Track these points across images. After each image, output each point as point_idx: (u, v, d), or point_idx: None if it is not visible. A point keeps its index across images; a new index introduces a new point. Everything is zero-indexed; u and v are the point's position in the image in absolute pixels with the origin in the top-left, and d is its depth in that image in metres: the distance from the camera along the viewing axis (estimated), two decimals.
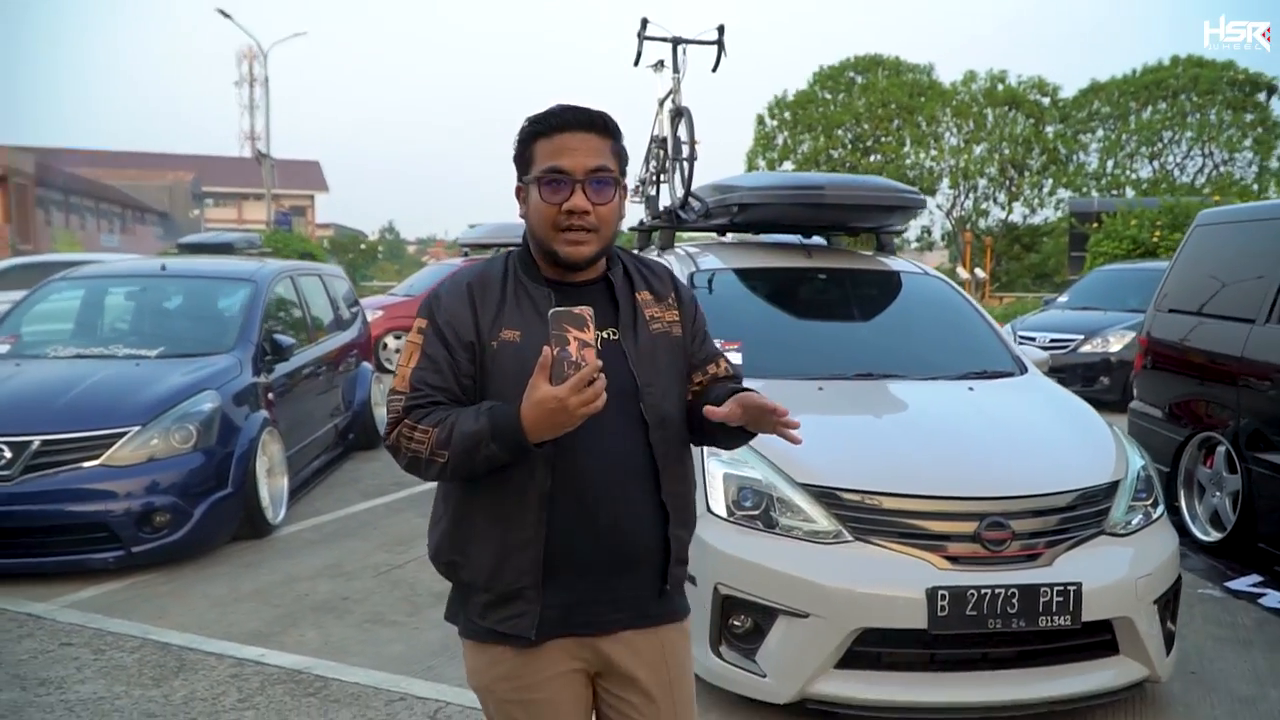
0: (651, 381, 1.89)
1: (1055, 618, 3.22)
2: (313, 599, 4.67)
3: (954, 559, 3.26)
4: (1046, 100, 35.40)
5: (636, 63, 5.90)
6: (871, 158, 36.70)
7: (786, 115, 37.93)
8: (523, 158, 1.89)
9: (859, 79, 37.45)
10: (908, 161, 36.62)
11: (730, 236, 5.79)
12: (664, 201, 5.73)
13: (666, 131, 5.75)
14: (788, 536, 3.36)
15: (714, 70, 5.74)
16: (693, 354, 2.03)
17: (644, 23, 5.66)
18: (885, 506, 3.33)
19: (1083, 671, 3.36)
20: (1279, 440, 5.00)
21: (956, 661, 3.32)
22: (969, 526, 3.29)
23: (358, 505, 6.44)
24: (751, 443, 3.35)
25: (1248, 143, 31.69)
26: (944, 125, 36.44)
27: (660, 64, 6.23)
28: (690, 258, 5.09)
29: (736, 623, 3.41)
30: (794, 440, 1.89)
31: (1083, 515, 3.43)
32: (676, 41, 5.64)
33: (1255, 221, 5.78)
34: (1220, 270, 5.88)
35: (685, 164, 5.57)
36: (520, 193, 1.92)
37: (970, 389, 4.17)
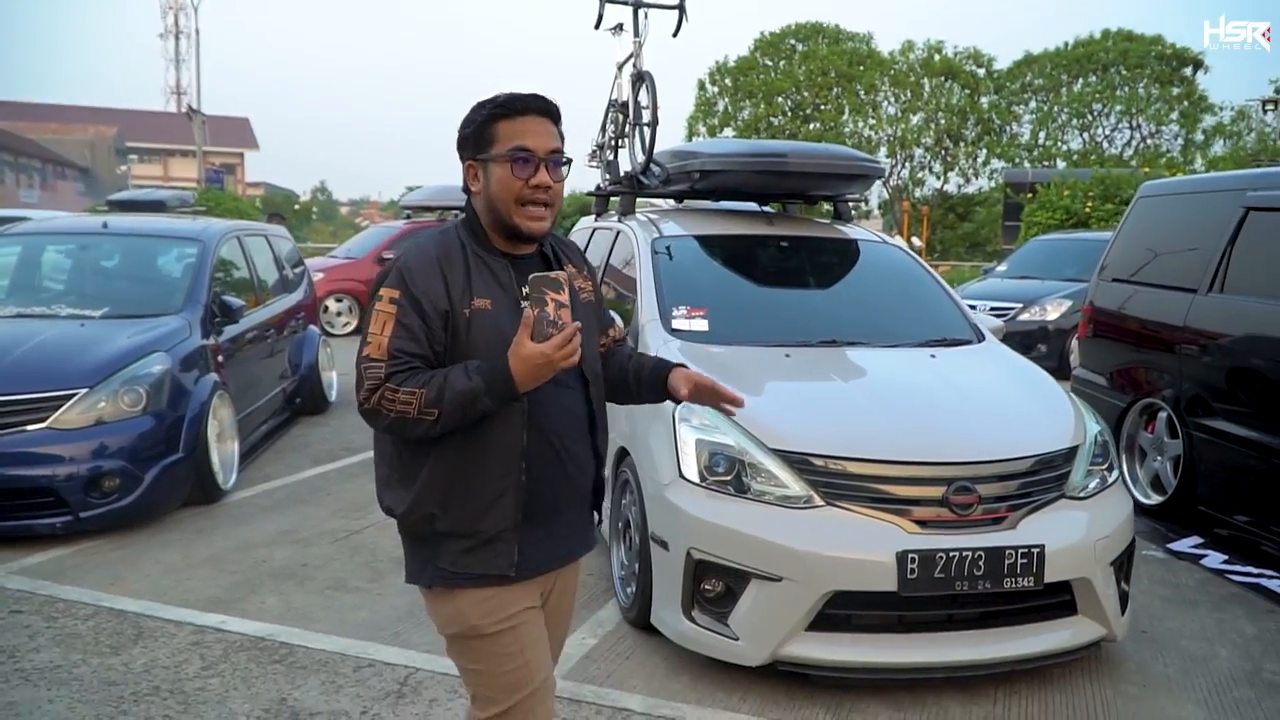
0: (587, 344, 2.08)
1: (1019, 579, 3.32)
2: (270, 565, 4.60)
3: (922, 523, 3.33)
4: (982, 71, 35.88)
5: (598, 25, 5.83)
6: (811, 125, 36.90)
7: (727, 81, 37.92)
8: (482, 137, 2.04)
9: (800, 46, 37.53)
10: (846, 130, 36.90)
11: (688, 203, 5.79)
12: (624, 167, 5.69)
13: (626, 96, 5.69)
14: (759, 501, 3.39)
15: (675, 35, 5.70)
16: (599, 319, 2.31)
17: None
18: (855, 472, 3.39)
19: (1043, 631, 3.46)
20: (1219, 406, 5.19)
21: (923, 623, 3.40)
22: (937, 491, 3.36)
23: (308, 471, 6.35)
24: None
25: (1174, 116, 32.50)
26: (882, 94, 36.77)
27: (619, 27, 6.16)
28: (652, 224, 5.09)
29: (708, 587, 3.44)
30: (729, 414, 2.27)
31: (1044, 479, 3.52)
32: (637, 5, 5.58)
33: (1196, 194, 5.94)
34: (1162, 241, 6.05)
35: (646, 129, 5.54)
36: (473, 170, 2.07)
37: (932, 356, 4.24)
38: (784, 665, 3.33)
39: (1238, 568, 4.83)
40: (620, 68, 6.22)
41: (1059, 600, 3.48)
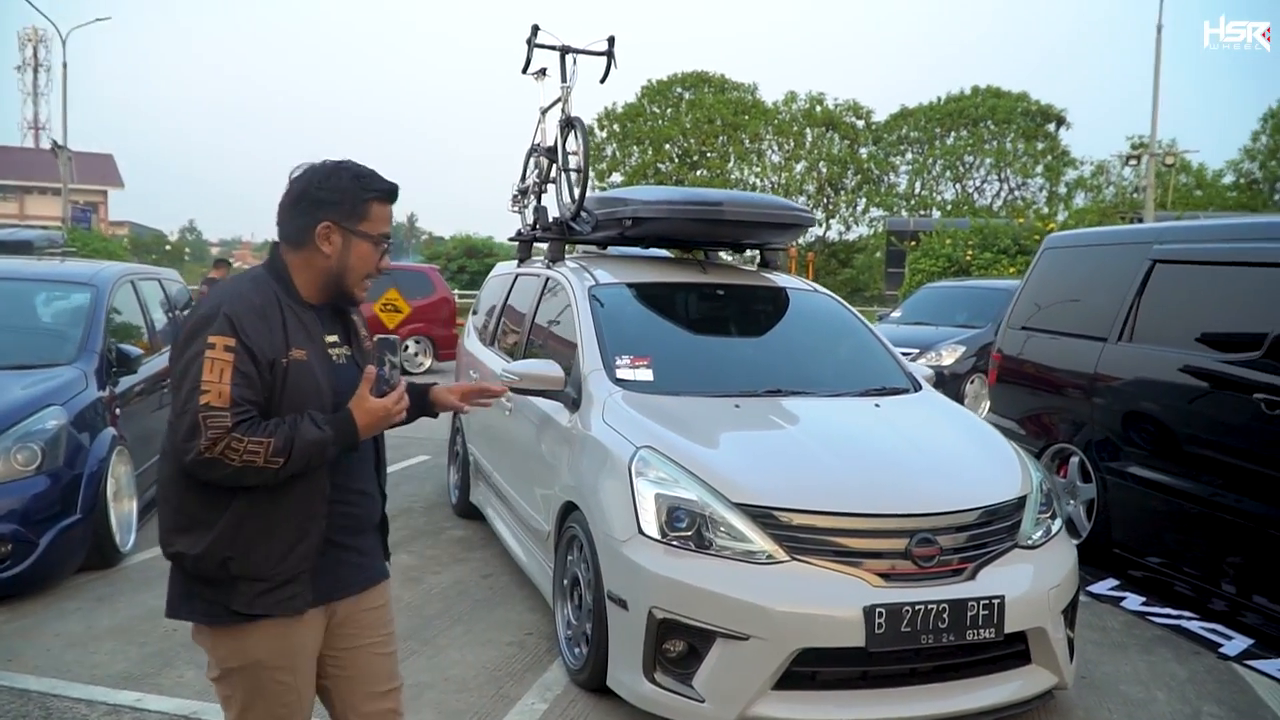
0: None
1: (981, 630, 3.33)
2: (182, 635, 4.24)
3: (886, 576, 3.31)
4: (861, 123, 37.24)
5: (525, 69, 5.76)
6: (698, 172, 37.57)
7: (615, 127, 38.34)
8: (355, 211, 2.17)
9: (686, 95, 38.28)
10: (732, 177, 37.69)
11: (611, 250, 5.74)
12: (552, 212, 5.60)
13: (553, 140, 5.62)
14: (722, 558, 3.32)
15: (602, 81, 5.67)
16: None
17: (534, 29, 5.53)
18: (820, 525, 3.35)
19: (1000, 682, 3.47)
20: (1130, 450, 5.38)
21: (885, 677, 3.36)
22: (900, 543, 3.35)
23: None
24: (681, 462, 3.32)
25: (1039, 169, 34.30)
26: (766, 143, 37.73)
27: (543, 72, 6.11)
28: (585, 271, 5.01)
29: (669, 647, 3.34)
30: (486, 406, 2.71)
31: (998, 530, 3.56)
32: (565, 50, 5.53)
33: (1104, 246, 6.20)
34: (1071, 291, 6.28)
35: (573, 174, 5.47)
36: (331, 233, 2.16)
37: (876, 405, 4.26)
38: None
39: (1156, 609, 4.98)
40: (544, 112, 6.15)
41: (1013, 650, 3.50)
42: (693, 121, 36.93)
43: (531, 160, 6.27)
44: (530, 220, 6.16)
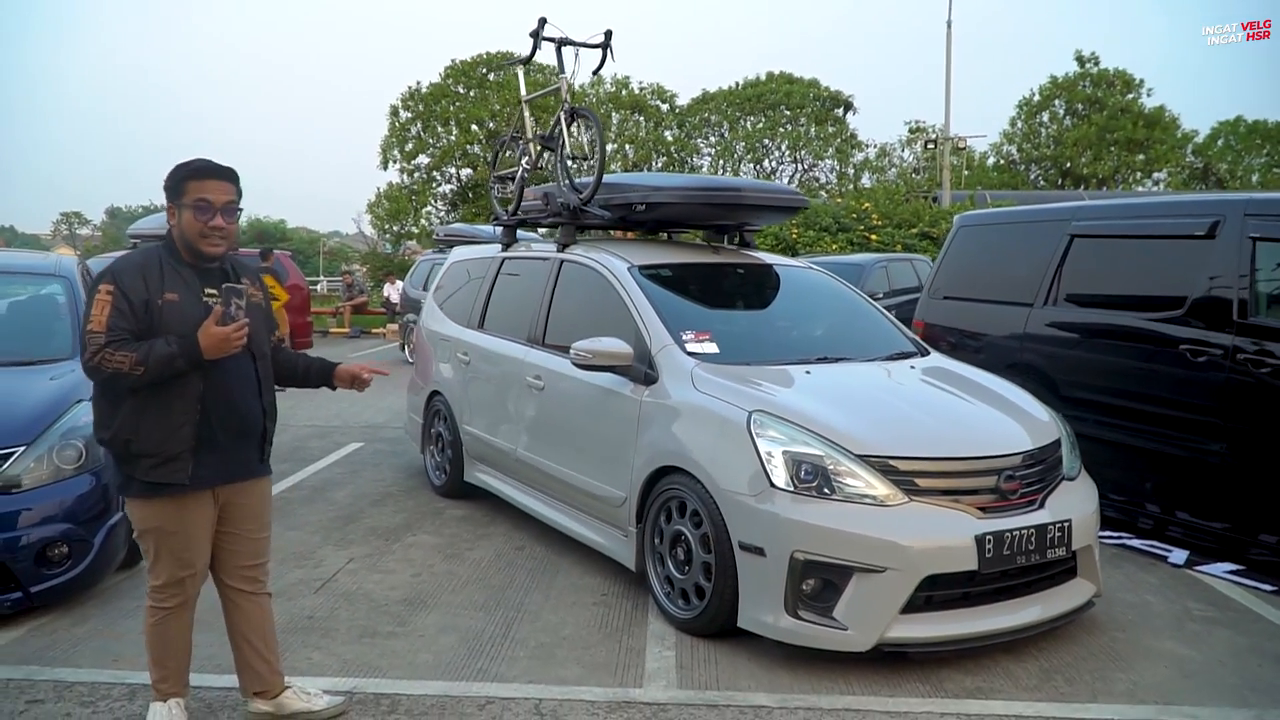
0: (255, 331, 3.14)
1: (1057, 549, 3.96)
2: (278, 623, 4.22)
3: (984, 509, 3.87)
4: (665, 106, 38.24)
5: (528, 60, 5.94)
6: (507, 153, 37.41)
7: (420, 108, 37.56)
8: (176, 189, 3.05)
9: (492, 76, 37.97)
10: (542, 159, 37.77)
11: (605, 235, 6.02)
12: (560, 199, 5.81)
13: (557, 129, 5.83)
14: (851, 502, 3.77)
15: (595, 73, 5.92)
16: (266, 319, 3.34)
17: (542, 22, 5.70)
18: (930, 470, 3.87)
19: (1061, 594, 4.12)
20: (1060, 398, 6.23)
21: (979, 596, 3.92)
22: (991, 481, 3.92)
23: None
24: (797, 422, 3.74)
25: (831, 151, 36.49)
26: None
27: (525, 62, 6.29)
28: (614, 254, 5.27)
29: (805, 586, 3.76)
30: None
31: (1051, 465, 4.20)
32: (563, 43, 5.74)
33: (1023, 223, 7.07)
34: (991, 263, 7.11)
35: (581, 163, 5.73)
36: (173, 210, 3.07)
37: (912, 367, 4.83)
38: (887, 648, 3.72)
39: (1101, 532, 5.83)
40: (525, 103, 6.34)
41: (1065, 567, 4.15)
42: (500, 103, 36.73)
43: (517, 148, 6.44)
44: (510, 207, 6.34)
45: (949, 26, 26.38)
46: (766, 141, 36.77)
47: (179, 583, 3.14)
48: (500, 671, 3.80)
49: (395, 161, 37.76)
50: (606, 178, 5.57)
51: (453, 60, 38.23)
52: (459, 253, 7.21)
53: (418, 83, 37.94)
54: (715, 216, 5.54)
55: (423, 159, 37.93)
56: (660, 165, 37.69)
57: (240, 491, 3.21)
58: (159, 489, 3.02)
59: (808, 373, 4.49)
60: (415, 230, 38.99)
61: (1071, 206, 6.77)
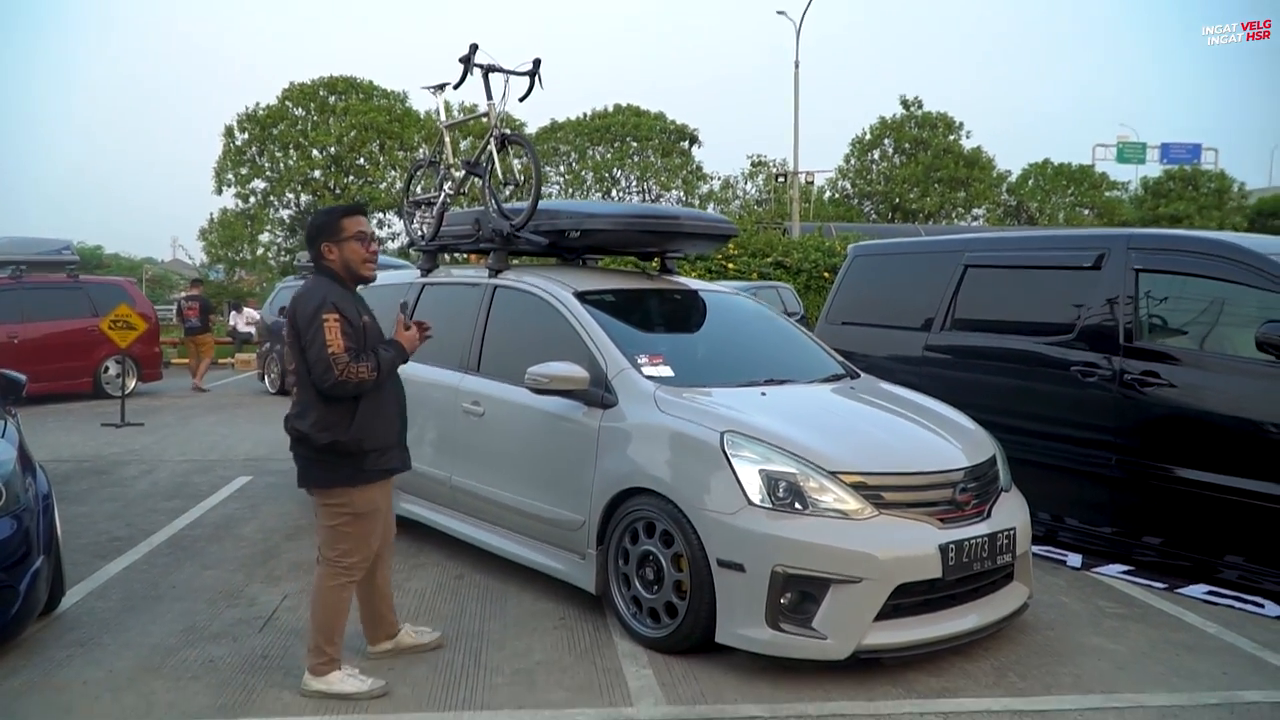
0: None
1: (1003, 555, 4.25)
2: (228, 664, 4.07)
3: (943, 520, 4.11)
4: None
5: (458, 85, 5.90)
6: (349, 178, 36.55)
7: (258, 130, 36.26)
8: (332, 227, 3.75)
9: (333, 99, 37.07)
10: (382, 185, 37.09)
11: (542, 262, 6.04)
12: (491, 225, 5.79)
13: (491, 155, 5.82)
14: (825, 517, 3.94)
15: (522, 100, 5.96)
16: None
17: (473, 48, 5.70)
18: (897, 484, 4.09)
19: (1003, 597, 4.40)
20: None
21: (935, 602, 4.14)
22: (947, 494, 4.18)
23: (107, 568, 5.48)
24: (773, 441, 3.91)
25: (678, 182, 37.42)
26: (421, 152, 37.49)
27: (441, 88, 6.27)
28: (553, 280, 5.32)
29: (784, 599, 3.90)
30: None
31: (993, 478, 4.50)
32: (490, 69, 5.76)
33: (918, 254, 7.51)
34: (887, 291, 7.51)
35: (514, 189, 5.75)
36: (330, 248, 3.75)
37: (852, 388, 5.07)
38: (864, 654, 3.89)
39: None
40: (446, 129, 6.31)
41: (1005, 573, 4.45)
42: (342, 128, 35.89)
43: (436, 173, 6.38)
44: (429, 232, 6.28)
45: (796, 67, 27.59)
46: (615, 171, 37.35)
47: (368, 556, 3.82)
48: (486, 700, 3.76)
49: (230, 185, 36.28)
50: (545, 205, 5.62)
51: (291, 82, 37.17)
52: (379, 278, 7.04)
53: (254, 103, 36.62)
54: (649, 243, 5.67)
55: (259, 184, 36.61)
56: (509, 194, 37.66)
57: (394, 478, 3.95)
58: (384, 475, 3.76)
59: (763, 394, 4.65)
60: (250, 258, 37.51)
61: (965, 238, 7.25)
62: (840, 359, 5.62)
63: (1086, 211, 45.23)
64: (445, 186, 6.24)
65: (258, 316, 18.63)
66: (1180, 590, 5.32)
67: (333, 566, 3.75)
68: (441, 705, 3.71)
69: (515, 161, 5.82)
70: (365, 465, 3.68)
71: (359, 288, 3.88)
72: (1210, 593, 5.29)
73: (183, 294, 17.59)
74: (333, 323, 3.52)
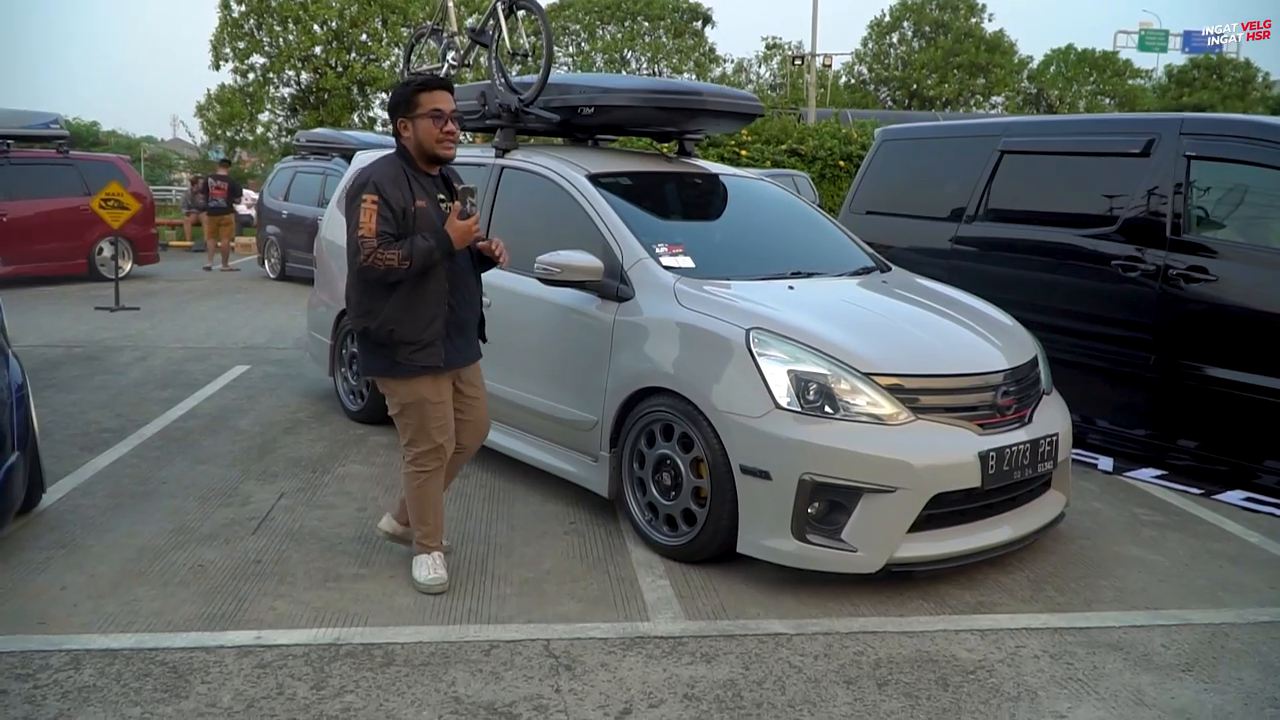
0: None
1: (1046, 463, 3.97)
2: (218, 570, 3.84)
3: (982, 426, 3.81)
4: (522, 12, 36.86)
5: None
6: (351, 54, 35.36)
7: (255, 1, 34.88)
8: (408, 103, 3.49)
9: None
10: (386, 64, 35.91)
11: (551, 141, 5.63)
12: (498, 99, 5.36)
13: (498, 24, 5.35)
14: (858, 422, 3.64)
15: None
16: None
17: None
18: (935, 387, 3.78)
19: (1040, 505, 4.15)
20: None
21: (973, 512, 3.89)
22: (988, 397, 3.87)
23: (95, 460, 5.24)
24: (803, 340, 3.58)
25: (690, 65, 36.20)
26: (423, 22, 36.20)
27: None
28: (566, 161, 4.92)
29: (811, 509, 3.63)
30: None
31: (1034, 380, 4.19)
32: None
33: (950, 139, 7.04)
34: (913, 178, 7.07)
35: (523, 59, 5.32)
36: (405, 124, 3.52)
37: (884, 283, 4.71)
38: (895, 568, 3.65)
39: None
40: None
41: (1044, 480, 4.18)
42: (344, 1, 34.52)
43: (439, 41, 5.91)
44: None
45: None
46: (626, 52, 36.10)
47: (438, 449, 3.63)
48: (493, 612, 3.53)
49: (228, 60, 35.11)
50: (557, 79, 5.18)
51: None
52: (363, 157, 6.62)
53: None
54: (669, 121, 5.23)
55: (258, 59, 35.42)
56: (516, 73, 36.53)
57: (464, 373, 3.74)
58: (420, 371, 3.51)
59: (790, 288, 4.31)
60: (250, 138, 36.60)
61: (1003, 122, 6.79)
62: (871, 251, 5.25)
63: (1108, 100, 43.86)
64: (448, 57, 5.78)
65: (255, 198, 18.16)
66: (1217, 496, 5.09)
67: (406, 455, 3.70)
68: (446, 618, 3.48)
69: (524, 40, 5.33)
70: (398, 358, 3.51)
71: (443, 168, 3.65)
72: (1248, 499, 5.05)
73: (209, 175, 17.06)
74: (370, 205, 3.36)
